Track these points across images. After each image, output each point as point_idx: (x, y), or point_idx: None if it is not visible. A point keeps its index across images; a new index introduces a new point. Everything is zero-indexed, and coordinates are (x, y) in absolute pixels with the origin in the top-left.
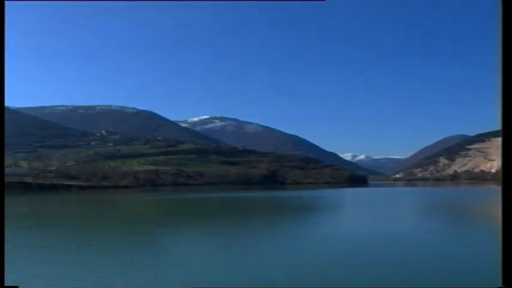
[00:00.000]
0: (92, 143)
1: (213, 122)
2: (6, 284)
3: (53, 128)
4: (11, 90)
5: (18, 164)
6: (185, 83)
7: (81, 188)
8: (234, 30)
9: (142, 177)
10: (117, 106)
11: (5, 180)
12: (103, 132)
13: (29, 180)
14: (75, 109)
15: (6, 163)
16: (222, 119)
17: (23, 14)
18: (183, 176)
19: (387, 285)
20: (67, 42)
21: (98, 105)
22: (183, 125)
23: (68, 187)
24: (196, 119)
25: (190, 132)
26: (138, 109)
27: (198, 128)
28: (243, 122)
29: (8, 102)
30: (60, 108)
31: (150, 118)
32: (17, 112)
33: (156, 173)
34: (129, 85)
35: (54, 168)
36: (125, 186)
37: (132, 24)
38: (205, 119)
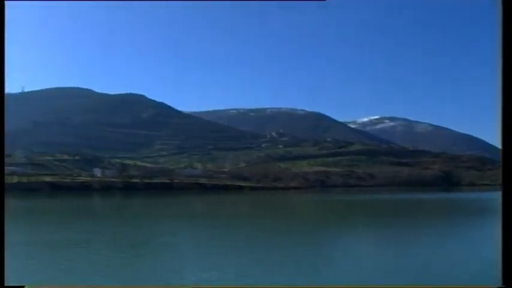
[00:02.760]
0: (263, 145)
1: (383, 123)
2: (6, 284)
3: (225, 131)
4: (185, 95)
5: (193, 166)
6: (352, 85)
7: (253, 189)
8: (394, 33)
9: (312, 178)
10: (286, 108)
11: (182, 181)
12: (273, 134)
13: (203, 181)
14: (246, 112)
15: (182, 165)
16: (392, 119)
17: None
18: (353, 177)
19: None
20: (238, 45)
21: (268, 108)
22: (352, 126)
23: (240, 188)
24: (366, 119)
25: (359, 133)
26: (307, 111)
27: (367, 129)
28: (413, 121)
29: (182, 107)
30: (232, 111)
31: (319, 120)
32: (191, 116)
33: (326, 174)
34: (298, 87)
35: (227, 169)
36: (295, 188)
37: (299, 24)
38: (375, 119)
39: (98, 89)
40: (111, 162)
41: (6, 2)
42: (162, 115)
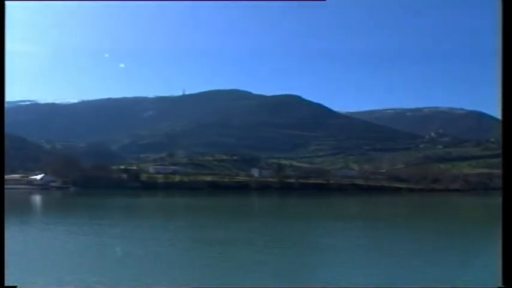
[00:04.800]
0: (421, 146)
1: None
2: (6, 284)
3: (382, 131)
4: (341, 96)
5: (349, 167)
6: None
7: (411, 190)
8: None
9: (474, 180)
10: (445, 108)
11: (338, 182)
12: (432, 134)
13: (359, 182)
14: (403, 112)
15: (338, 165)
16: None
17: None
18: None
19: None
20: (395, 43)
21: (425, 108)
22: None
23: (397, 190)
24: None
25: None
26: (466, 110)
27: None
28: None
29: (338, 108)
30: (389, 111)
31: (480, 119)
32: (348, 117)
33: (489, 177)
34: (457, 85)
35: (383, 170)
36: (455, 190)
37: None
38: None
39: (256, 90)
40: (268, 162)
41: (6, 2)
42: (319, 116)
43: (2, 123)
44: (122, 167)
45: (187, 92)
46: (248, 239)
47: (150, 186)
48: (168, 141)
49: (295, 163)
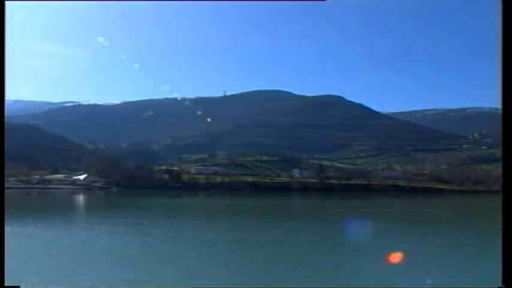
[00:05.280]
0: (464, 147)
1: None
2: (7, 284)
3: (425, 132)
4: (382, 96)
5: (391, 167)
6: None
7: (454, 192)
8: None
9: None
10: (489, 108)
11: (380, 183)
12: (475, 135)
13: (401, 183)
14: (445, 112)
15: (380, 166)
16: None
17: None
18: None
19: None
20: (432, 43)
21: (469, 108)
22: None
23: (440, 191)
24: None
25: None
26: None
27: None
28: None
29: (380, 108)
30: (431, 112)
31: None
32: (390, 117)
33: None
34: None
35: (426, 171)
36: (498, 191)
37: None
38: None
39: (297, 91)
40: (309, 163)
41: (6, 2)
42: (360, 116)
43: (2, 123)
44: (164, 167)
45: (228, 93)
46: (292, 240)
47: (191, 187)
48: (209, 142)
49: (336, 164)
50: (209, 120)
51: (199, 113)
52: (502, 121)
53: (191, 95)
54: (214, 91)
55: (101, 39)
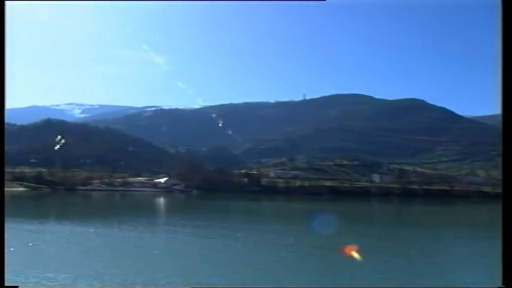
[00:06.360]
0: None
1: None
2: (6, 284)
3: None
4: (465, 99)
5: (475, 173)
6: None
7: None
8: None
9: None
10: None
11: (463, 188)
12: None
13: (486, 189)
14: None
15: (463, 172)
16: None
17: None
18: None
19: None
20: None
21: None
22: None
23: None
24: None
25: None
26: None
27: None
28: None
29: (464, 112)
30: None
31: None
32: (473, 121)
33: None
34: None
35: None
36: None
37: None
38: None
39: (377, 94)
40: (390, 167)
41: (6, 2)
42: (443, 120)
43: (2, 123)
44: (243, 171)
45: (307, 97)
46: (373, 246)
47: (270, 191)
48: (288, 146)
49: (418, 169)
50: (289, 124)
51: (278, 116)
52: (502, 121)
53: (271, 99)
54: (294, 95)
55: (183, 45)
